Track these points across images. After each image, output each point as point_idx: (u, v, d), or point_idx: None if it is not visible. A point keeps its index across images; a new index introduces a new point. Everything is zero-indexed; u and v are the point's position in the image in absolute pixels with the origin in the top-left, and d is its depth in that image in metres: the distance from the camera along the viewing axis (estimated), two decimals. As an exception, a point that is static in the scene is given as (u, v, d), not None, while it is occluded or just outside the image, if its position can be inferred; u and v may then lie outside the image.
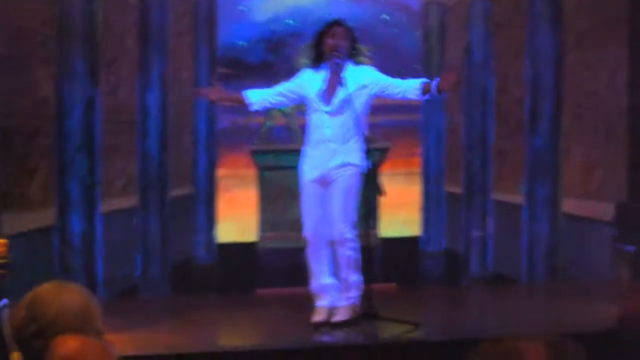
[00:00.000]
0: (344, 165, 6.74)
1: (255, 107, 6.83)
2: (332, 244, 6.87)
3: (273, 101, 6.92)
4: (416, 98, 6.74)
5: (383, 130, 11.99)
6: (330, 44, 6.81)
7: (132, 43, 9.99)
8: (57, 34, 8.27)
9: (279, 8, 13.35)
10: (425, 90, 6.63)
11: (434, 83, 6.58)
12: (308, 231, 6.86)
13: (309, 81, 6.82)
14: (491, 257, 9.89)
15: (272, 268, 8.76)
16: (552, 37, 9.12)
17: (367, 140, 6.60)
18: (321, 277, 6.93)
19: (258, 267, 10.56)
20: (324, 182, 6.83)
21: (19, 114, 8.56)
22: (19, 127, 8.57)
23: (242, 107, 6.91)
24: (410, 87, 6.74)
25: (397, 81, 6.85)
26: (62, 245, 8.15)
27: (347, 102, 6.63)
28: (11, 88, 8.43)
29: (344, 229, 6.71)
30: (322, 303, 6.93)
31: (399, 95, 6.80)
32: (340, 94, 6.67)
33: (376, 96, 6.88)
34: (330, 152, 6.73)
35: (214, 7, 10.89)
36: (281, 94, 6.88)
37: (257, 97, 6.84)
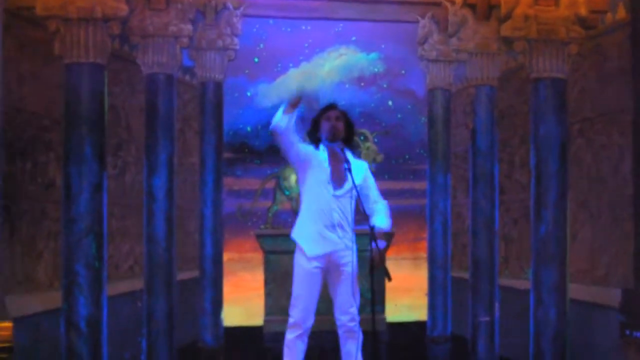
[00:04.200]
0: (347, 249, 6.77)
1: (283, 123, 6.73)
2: (344, 330, 6.88)
3: (293, 131, 6.74)
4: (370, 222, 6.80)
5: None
6: (325, 127, 6.87)
7: (139, 128, 10.07)
8: (64, 118, 8.35)
9: (284, 94, 13.44)
10: (371, 233, 6.65)
11: (373, 243, 6.63)
12: (300, 318, 6.85)
13: (317, 159, 6.86)
14: (498, 342, 9.83)
15: (278, 352, 8.67)
16: (557, 124, 9.19)
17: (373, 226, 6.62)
18: None
19: (263, 350, 10.49)
20: (327, 266, 6.84)
21: (26, 197, 8.60)
22: (26, 210, 8.61)
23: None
24: (370, 215, 6.83)
25: (371, 198, 6.93)
26: (68, 329, 8.13)
27: (350, 190, 6.69)
28: (18, 171, 8.49)
29: (356, 312, 6.77)
30: None
31: (361, 206, 6.87)
32: (349, 181, 6.70)
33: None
34: (337, 237, 6.76)
35: (221, 93, 10.96)
36: (299, 139, 6.81)
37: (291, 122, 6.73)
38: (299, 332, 6.90)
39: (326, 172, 6.80)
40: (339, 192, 6.78)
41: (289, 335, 6.94)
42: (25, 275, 8.56)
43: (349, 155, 6.82)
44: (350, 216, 6.85)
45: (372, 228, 6.57)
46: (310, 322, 6.91)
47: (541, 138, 9.21)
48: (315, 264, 6.79)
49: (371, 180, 7.01)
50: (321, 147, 6.93)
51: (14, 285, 8.31)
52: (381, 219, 6.87)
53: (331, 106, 6.99)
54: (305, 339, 6.97)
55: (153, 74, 9.29)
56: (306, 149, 6.84)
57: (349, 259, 6.82)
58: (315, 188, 6.80)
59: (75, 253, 8.18)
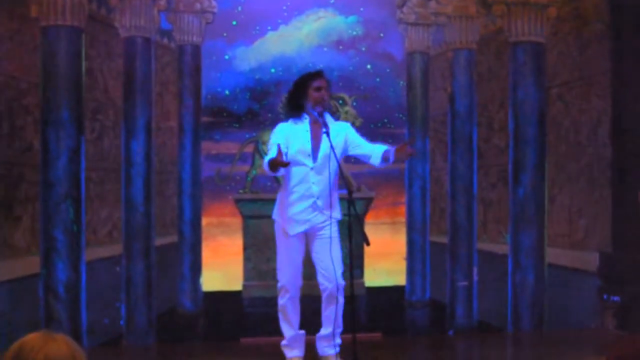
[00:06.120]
0: (329, 219, 6.75)
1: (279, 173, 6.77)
2: (326, 294, 6.87)
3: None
4: (375, 164, 6.81)
5: (368, 179, 12.01)
6: (315, 97, 6.79)
7: (117, 91, 10.01)
8: (41, 81, 8.27)
9: (262, 57, 13.36)
10: (384, 158, 6.66)
11: (391, 151, 6.63)
12: (288, 281, 6.85)
13: (290, 136, 6.79)
14: (476, 306, 9.88)
15: (256, 317, 8.69)
16: (535, 88, 9.19)
17: (352, 190, 6.59)
18: (295, 328, 6.96)
19: (242, 315, 10.49)
20: (307, 234, 6.84)
21: (3, 161, 8.54)
22: (3, 174, 8.55)
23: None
24: (373, 153, 6.81)
25: (366, 146, 6.91)
26: (46, 293, 8.11)
27: (329, 157, 6.62)
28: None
29: (339, 277, 6.75)
30: (295, 354, 6.98)
31: (363, 158, 6.88)
32: (324, 150, 6.66)
33: (346, 153, 6.93)
34: (316, 209, 6.74)
35: (199, 56, 10.89)
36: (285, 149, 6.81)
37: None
38: (288, 295, 6.89)
39: (306, 145, 6.75)
40: (318, 163, 6.73)
41: (281, 300, 6.94)
42: (3, 240, 8.51)
43: (328, 118, 6.80)
44: (333, 185, 6.80)
45: (350, 193, 6.54)
46: (298, 283, 6.89)
47: (520, 102, 9.22)
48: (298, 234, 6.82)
49: (358, 138, 6.97)
50: (304, 115, 6.87)
51: (-8, 251, 8.28)
52: (379, 147, 6.85)
53: (318, 74, 6.92)
54: (297, 302, 6.96)
55: (131, 37, 9.23)
56: (286, 140, 6.77)
57: (327, 224, 6.80)
58: (294, 163, 6.75)
59: (53, 218, 8.16)
